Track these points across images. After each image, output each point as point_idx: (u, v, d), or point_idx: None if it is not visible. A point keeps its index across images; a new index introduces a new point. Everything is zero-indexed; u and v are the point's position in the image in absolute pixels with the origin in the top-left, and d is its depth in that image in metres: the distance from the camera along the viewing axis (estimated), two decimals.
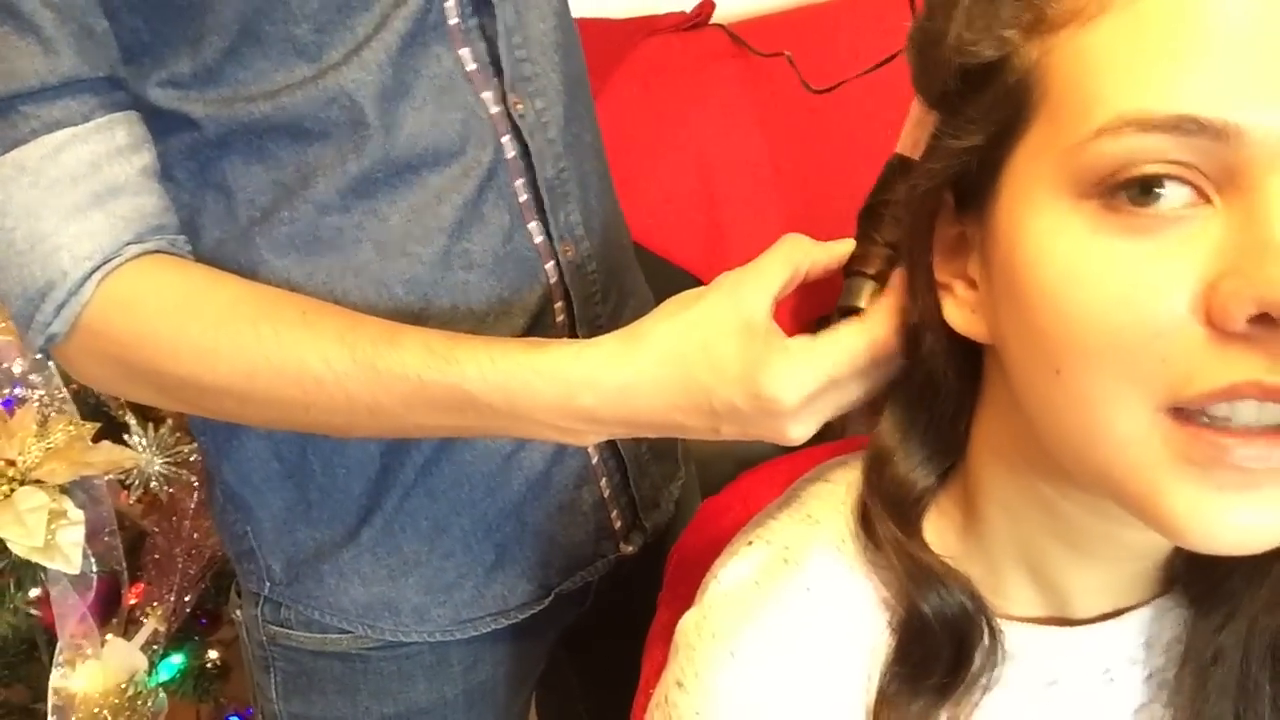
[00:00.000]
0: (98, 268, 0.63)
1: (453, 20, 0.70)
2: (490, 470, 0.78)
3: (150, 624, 1.21)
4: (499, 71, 0.72)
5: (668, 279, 1.00)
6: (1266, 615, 0.52)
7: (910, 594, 0.53)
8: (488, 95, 0.72)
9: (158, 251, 0.65)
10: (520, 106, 0.73)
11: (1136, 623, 0.55)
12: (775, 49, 1.51)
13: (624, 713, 0.77)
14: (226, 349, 0.63)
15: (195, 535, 1.33)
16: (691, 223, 1.52)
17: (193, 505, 1.32)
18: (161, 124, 0.67)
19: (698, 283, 1.66)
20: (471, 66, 0.71)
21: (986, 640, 0.53)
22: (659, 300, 0.61)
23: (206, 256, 0.70)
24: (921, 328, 0.53)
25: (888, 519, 0.54)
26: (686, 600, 0.77)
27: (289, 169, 0.69)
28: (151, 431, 1.26)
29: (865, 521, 0.56)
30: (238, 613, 0.87)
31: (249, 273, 0.70)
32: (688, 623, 0.58)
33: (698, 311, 0.57)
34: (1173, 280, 0.41)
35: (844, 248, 0.60)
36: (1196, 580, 0.54)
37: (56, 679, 1.15)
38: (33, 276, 0.62)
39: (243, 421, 0.69)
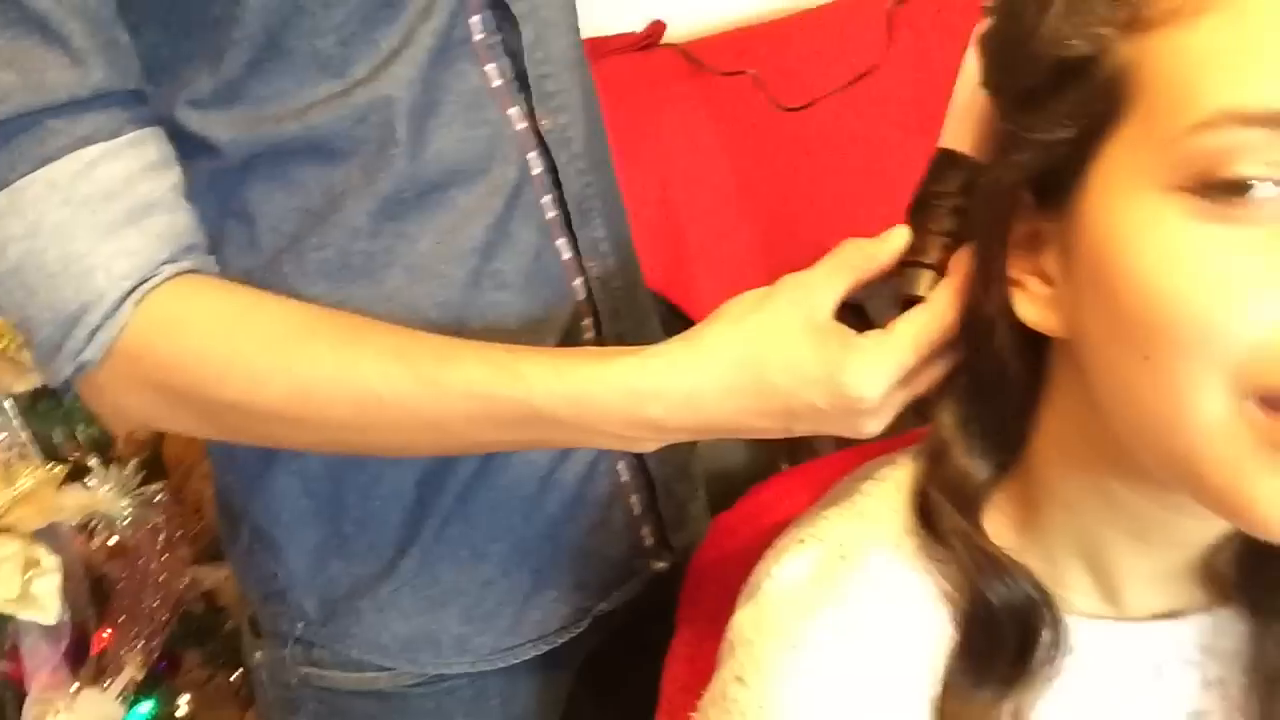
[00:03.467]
0: (135, 288, 0.60)
1: (477, 36, 0.69)
2: (526, 494, 0.76)
3: (127, 671, 1.16)
4: (524, 87, 0.72)
5: None
6: None
7: (976, 585, 0.54)
8: (513, 111, 0.72)
9: (193, 271, 0.63)
10: (546, 122, 0.73)
11: (1193, 627, 0.56)
12: (731, 68, 1.53)
13: None
14: (280, 370, 0.60)
15: (162, 577, 1.30)
16: (655, 242, 1.53)
17: (158, 547, 1.29)
18: (181, 149, 0.65)
19: (664, 302, 1.67)
20: (497, 83, 0.71)
21: (1051, 631, 0.54)
22: None
23: None
24: (992, 322, 0.54)
25: (952, 510, 0.55)
26: (708, 614, 0.77)
27: (315, 193, 0.67)
28: (115, 472, 1.22)
29: (924, 515, 0.57)
30: (258, 654, 0.84)
31: None
32: (743, 620, 0.59)
33: (765, 315, 0.57)
34: (1266, 268, 0.42)
35: (898, 241, 0.59)
36: (1253, 587, 0.56)
37: None
38: (64, 300, 0.59)
39: (290, 446, 0.67)
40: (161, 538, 1.27)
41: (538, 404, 0.58)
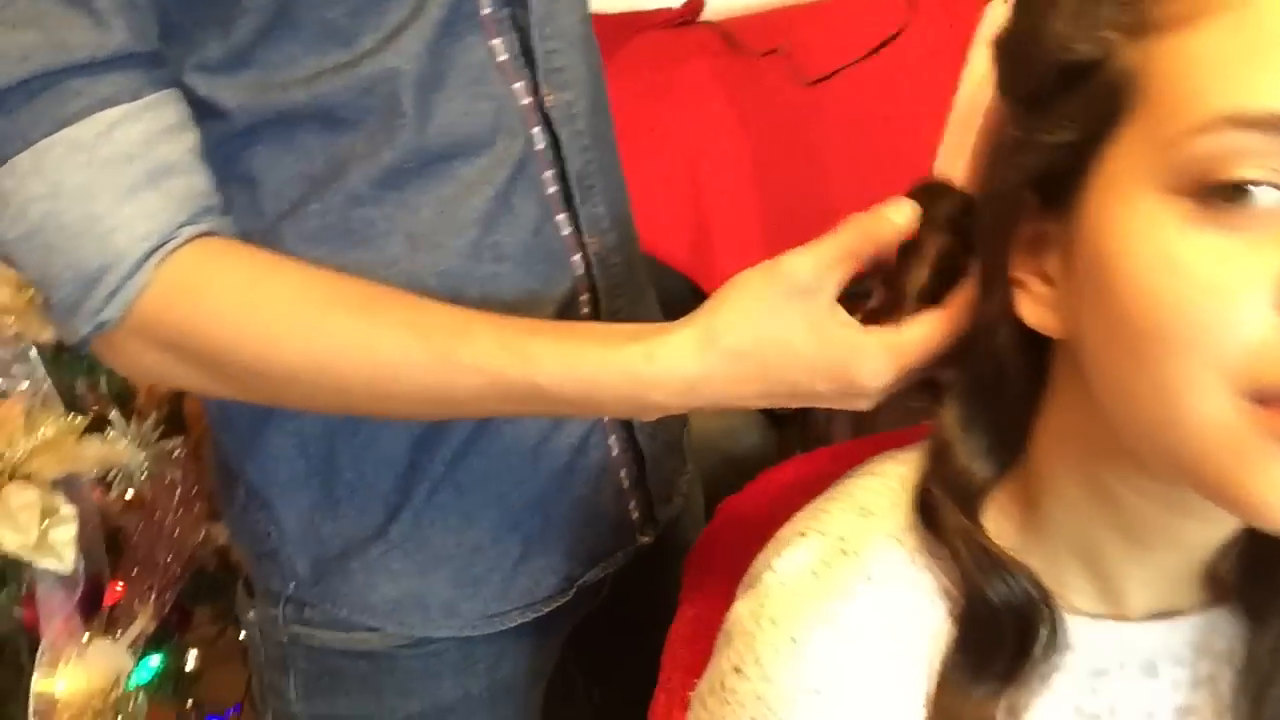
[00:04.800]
0: (155, 249, 0.60)
1: (485, 10, 0.70)
2: (517, 463, 0.78)
3: (139, 623, 1.17)
4: (529, 63, 0.73)
5: (656, 276, 1.00)
6: None
7: (976, 582, 0.54)
8: (518, 86, 0.72)
9: (210, 233, 0.64)
10: (551, 98, 0.74)
11: (1187, 627, 0.57)
12: (766, 46, 1.52)
13: (633, 706, 0.77)
14: (298, 336, 0.61)
15: (176, 532, 1.31)
16: (678, 219, 1.53)
17: (174, 502, 1.30)
18: (196, 114, 0.65)
19: (684, 280, 1.67)
20: (503, 57, 0.71)
21: (1049, 629, 0.54)
22: None
23: None
24: (995, 322, 0.54)
25: (954, 508, 0.55)
26: (711, 597, 0.77)
27: (319, 160, 0.68)
28: (135, 426, 1.23)
29: (925, 513, 0.57)
30: (251, 613, 0.85)
31: None
32: (741, 612, 0.59)
33: (770, 306, 0.59)
34: (1260, 273, 0.43)
35: (899, 219, 0.60)
36: (1253, 590, 0.56)
37: (38, 682, 1.12)
38: (85, 260, 0.60)
39: (302, 408, 0.68)
40: (178, 493, 1.28)
41: (544, 385, 0.60)
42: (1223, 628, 0.57)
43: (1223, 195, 0.43)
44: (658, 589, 0.81)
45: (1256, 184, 0.43)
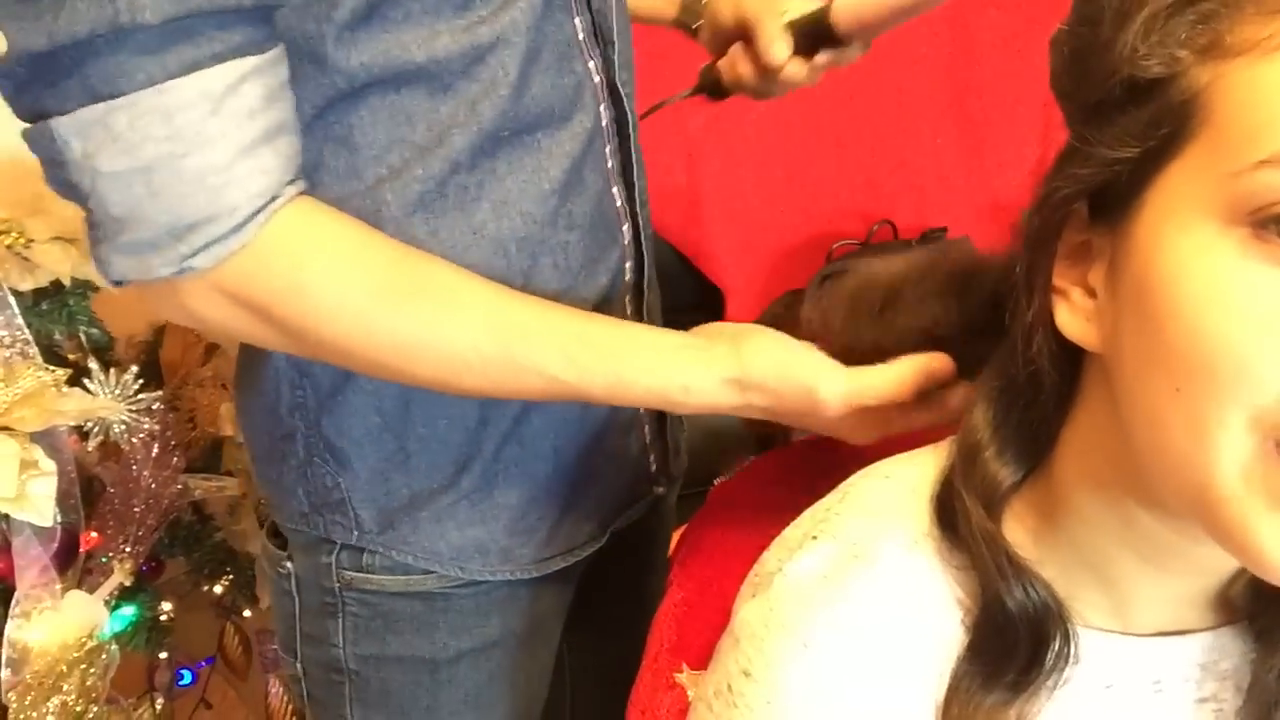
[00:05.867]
0: (264, 207, 0.61)
1: None
2: (569, 419, 0.83)
3: (116, 576, 1.17)
4: (599, 42, 0.77)
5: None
6: None
7: (995, 588, 0.54)
8: (592, 64, 0.77)
9: (302, 194, 0.65)
10: (623, 75, 0.79)
11: (1195, 645, 0.57)
12: None
13: (599, 655, 0.86)
14: (383, 325, 0.65)
15: (153, 484, 1.30)
16: (675, 199, 1.53)
17: (153, 454, 1.29)
18: (307, 71, 0.66)
19: (671, 249, 1.66)
20: (581, 35, 0.75)
21: (1062, 640, 0.54)
22: None
23: None
24: (1033, 328, 0.54)
25: (980, 510, 0.55)
26: (699, 580, 0.78)
27: (420, 126, 0.70)
28: (115, 376, 1.22)
29: (945, 516, 0.57)
30: (287, 564, 0.87)
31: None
32: (750, 615, 0.59)
33: (797, 362, 0.69)
34: None
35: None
36: (1262, 614, 0.56)
37: (12, 630, 1.11)
38: (193, 207, 0.59)
39: (365, 373, 0.72)
40: (155, 445, 1.27)
41: (594, 395, 0.69)
42: (1230, 648, 0.57)
43: (1278, 231, 0.43)
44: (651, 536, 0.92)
45: None
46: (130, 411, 1.22)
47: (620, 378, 0.68)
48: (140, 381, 1.25)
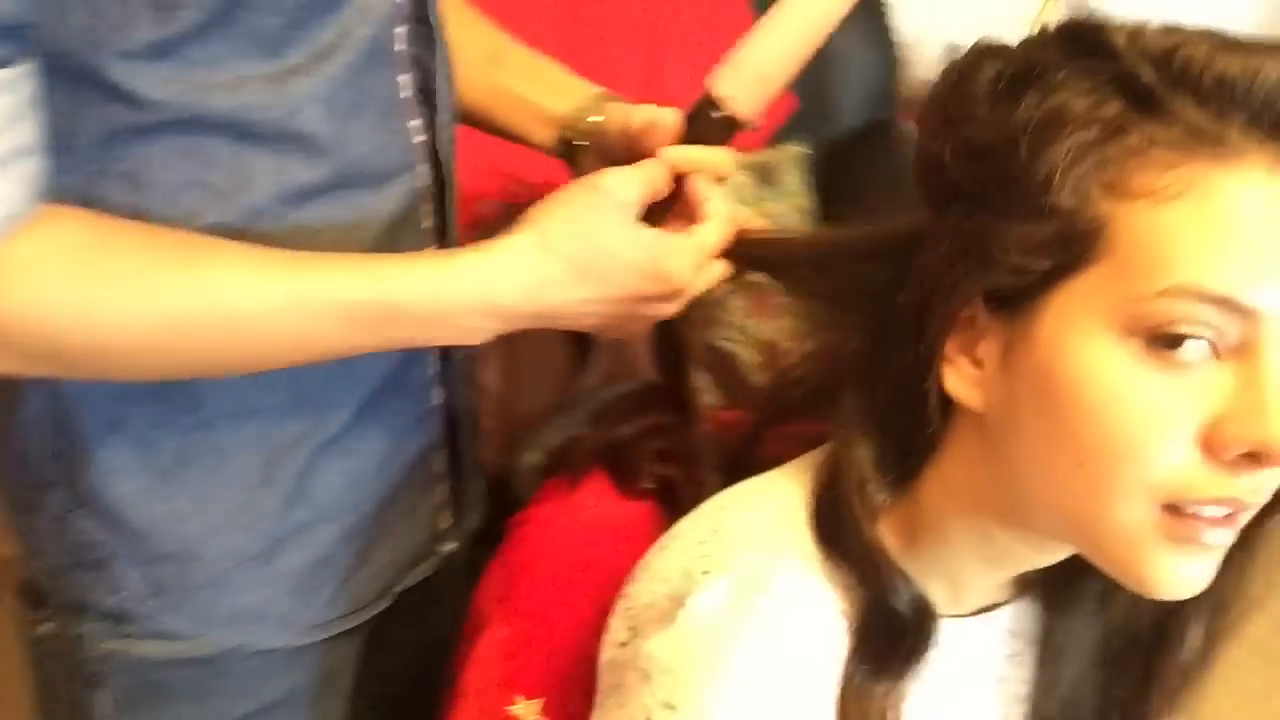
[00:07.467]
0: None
1: (399, 47, 0.73)
2: (361, 479, 0.80)
3: None
4: (426, 101, 0.76)
5: None
6: (1092, 617, 0.70)
7: (880, 590, 0.62)
8: (414, 124, 0.75)
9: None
10: (444, 136, 0.78)
11: (1005, 615, 0.70)
12: None
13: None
14: (144, 305, 0.61)
15: None
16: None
17: None
18: (90, 97, 0.62)
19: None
20: (406, 94, 0.74)
21: (930, 631, 0.63)
22: None
23: None
24: (923, 388, 0.60)
25: (866, 521, 0.62)
26: (528, 610, 0.77)
27: (221, 170, 0.67)
28: None
29: (829, 537, 0.63)
30: (42, 627, 0.79)
31: None
32: (659, 649, 0.61)
33: (593, 218, 0.70)
34: (1188, 413, 0.53)
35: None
36: (1051, 588, 0.70)
37: None
38: None
39: (149, 378, 0.68)
40: None
41: (395, 300, 0.66)
42: (1026, 613, 0.71)
43: (1166, 343, 0.53)
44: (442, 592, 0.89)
45: (1195, 339, 0.52)
46: None
47: (419, 270, 0.67)
48: None
